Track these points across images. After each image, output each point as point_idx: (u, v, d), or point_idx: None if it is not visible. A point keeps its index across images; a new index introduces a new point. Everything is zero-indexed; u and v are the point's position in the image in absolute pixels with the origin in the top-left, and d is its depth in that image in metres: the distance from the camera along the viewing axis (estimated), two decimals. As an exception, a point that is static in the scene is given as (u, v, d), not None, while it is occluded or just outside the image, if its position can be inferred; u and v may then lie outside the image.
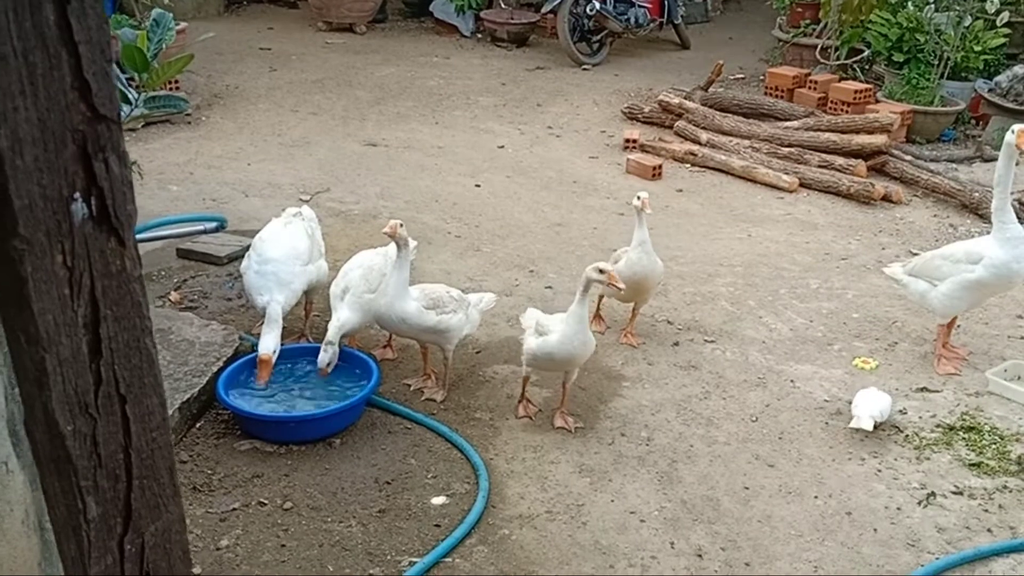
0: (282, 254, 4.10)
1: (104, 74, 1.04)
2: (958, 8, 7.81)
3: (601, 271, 3.63)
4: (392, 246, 4.51)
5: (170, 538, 1.31)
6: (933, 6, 7.89)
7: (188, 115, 7.59)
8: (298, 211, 4.43)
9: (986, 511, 3.48)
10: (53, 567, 2.66)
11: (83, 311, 1.11)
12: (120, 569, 1.26)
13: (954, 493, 3.58)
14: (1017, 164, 4.38)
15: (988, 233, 4.34)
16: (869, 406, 3.86)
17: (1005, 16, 7.74)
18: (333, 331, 3.95)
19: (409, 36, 11.05)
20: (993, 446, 3.85)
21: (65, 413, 1.13)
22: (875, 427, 3.84)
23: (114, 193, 1.09)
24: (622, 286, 3.74)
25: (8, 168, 0.99)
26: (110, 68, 1.05)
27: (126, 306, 1.15)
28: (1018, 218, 4.35)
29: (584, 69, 9.80)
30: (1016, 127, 4.16)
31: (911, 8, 8.06)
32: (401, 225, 3.82)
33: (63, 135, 1.04)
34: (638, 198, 4.35)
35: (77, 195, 1.07)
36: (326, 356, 3.91)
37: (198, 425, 3.81)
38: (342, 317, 3.99)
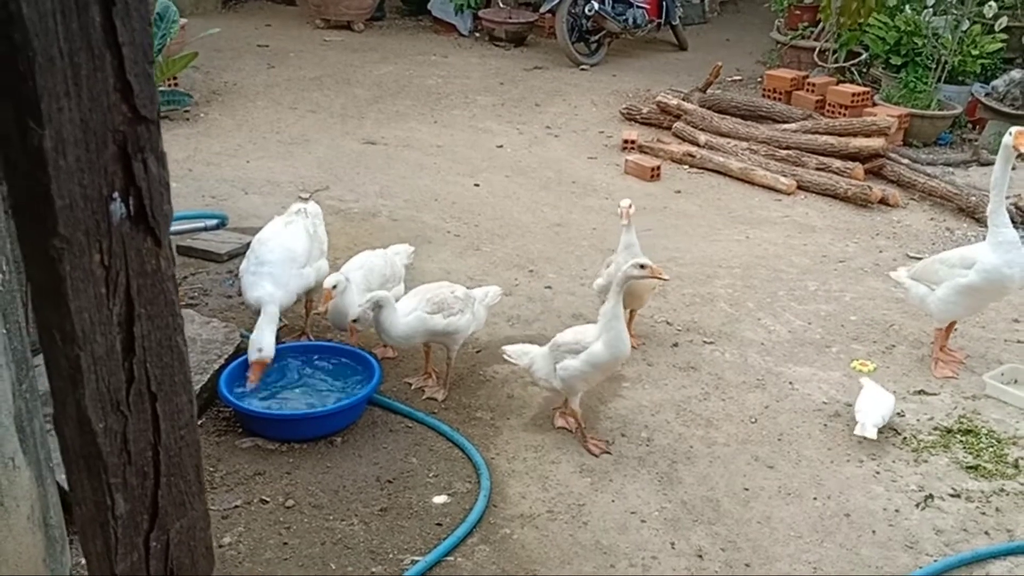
0: (278, 258, 4.08)
1: (146, 75, 1.05)
2: (956, 12, 7.86)
3: (642, 266, 3.63)
4: (390, 250, 4.57)
5: (194, 535, 1.32)
6: (931, 10, 7.93)
7: (187, 111, 7.58)
8: (302, 207, 4.43)
9: (983, 514, 3.51)
10: (57, 563, 2.67)
11: (118, 309, 1.12)
12: (145, 566, 1.27)
13: (952, 495, 3.61)
14: (1014, 168, 4.41)
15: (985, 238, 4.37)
16: (872, 413, 3.86)
17: (1003, 21, 7.79)
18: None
19: (407, 34, 11.04)
20: (990, 449, 3.88)
21: (97, 410, 1.14)
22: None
23: (151, 193, 1.10)
24: (667, 277, 3.78)
25: (51, 168, 1.01)
26: (151, 69, 1.06)
27: (159, 305, 1.16)
28: (1014, 222, 4.38)
29: (582, 69, 9.81)
30: (1014, 129, 4.18)
31: (909, 12, 8.10)
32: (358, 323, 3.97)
33: (104, 135, 1.05)
34: (620, 206, 4.34)
35: (116, 195, 1.08)
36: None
37: (199, 423, 3.81)
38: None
